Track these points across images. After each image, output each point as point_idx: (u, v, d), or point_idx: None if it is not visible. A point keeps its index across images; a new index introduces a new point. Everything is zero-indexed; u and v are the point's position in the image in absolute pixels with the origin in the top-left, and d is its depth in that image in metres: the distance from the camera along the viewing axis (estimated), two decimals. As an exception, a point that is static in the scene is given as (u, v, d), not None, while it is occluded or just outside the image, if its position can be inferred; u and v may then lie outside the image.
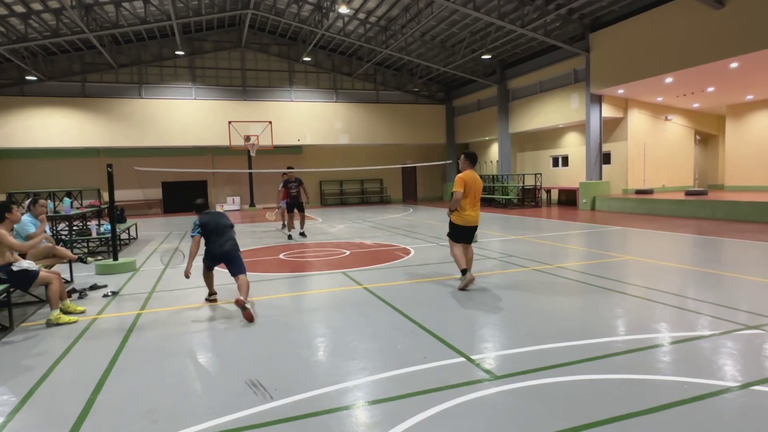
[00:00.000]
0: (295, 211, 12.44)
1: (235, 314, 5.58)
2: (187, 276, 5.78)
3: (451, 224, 6.61)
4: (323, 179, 27.56)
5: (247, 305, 5.39)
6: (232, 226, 6.22)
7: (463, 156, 6.61)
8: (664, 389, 3.35)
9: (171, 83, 23.58)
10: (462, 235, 6.59)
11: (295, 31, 23.69)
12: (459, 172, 6.62)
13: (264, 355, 4.26)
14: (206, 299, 6.25)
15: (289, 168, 12.69)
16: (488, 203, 23.15)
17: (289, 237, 12.30)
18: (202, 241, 6.04)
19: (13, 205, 5.66)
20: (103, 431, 3.05)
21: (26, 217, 6.66)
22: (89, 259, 6.94)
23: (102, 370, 4.01)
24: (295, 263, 8.94)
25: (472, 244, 6.86)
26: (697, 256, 8.51)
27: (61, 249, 6.73)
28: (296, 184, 12.31)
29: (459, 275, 6.83)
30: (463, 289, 6.35)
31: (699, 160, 22.21)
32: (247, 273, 5.84)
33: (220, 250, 5.97)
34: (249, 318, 5.25)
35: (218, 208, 25.08)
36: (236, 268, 5.93)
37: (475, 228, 6.68)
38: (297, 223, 13.11)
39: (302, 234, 12.65)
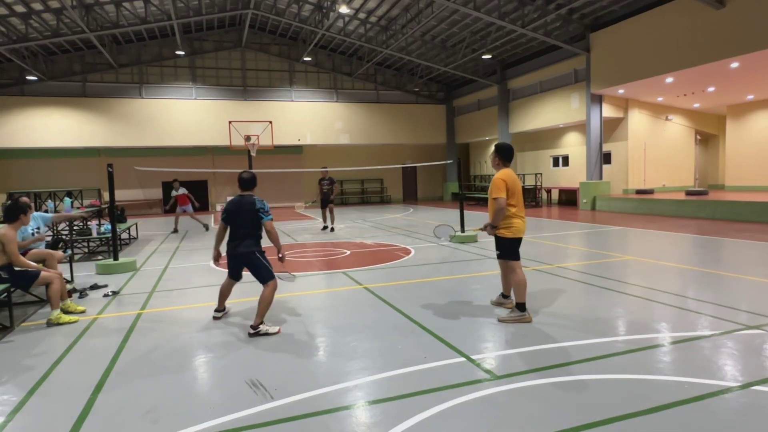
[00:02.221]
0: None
1: (234, 314, 5.57)
2: (215, 261, 5.56)
3: (502, 240, 5.10)
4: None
5: (261, 328, 4.73)
6: (254, 217, 4.95)
7: (494, 151, 5.18)
8: (664, 389, 3.35)
9: (171, 83, 23.59)
10: (518, 249, 5.12)
11: (295, 31, 23.69)
12: (497, 170, 5.18)
13: (264, 355, 4.26)
14: (213, 315, 5.45)
15: (323, 168, 14.46)
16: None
17: (327, 228, 13.77)
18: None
19: (30, 209, 5.64)
20: (103, 431, 3.05)
21: None
22: (87, 291, 6.85)
23: (102, 370, 4.01)
24: (295, 263, 8.94)
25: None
26: (698, 256, 8.51)
27: (56, 254, 6.53)
28: (328, 182, 13.80)
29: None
30: (505, 321, 4.96)
31: (699, 160, 22.20)
32: (248, 272, 5.09)
33: (233, 250, 5.04)
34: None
35: (218, 207, 25.10)
36: (257, 275, 5.01)
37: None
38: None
39: (331, 229, 13.77)
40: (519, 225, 5.04)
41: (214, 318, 5.42)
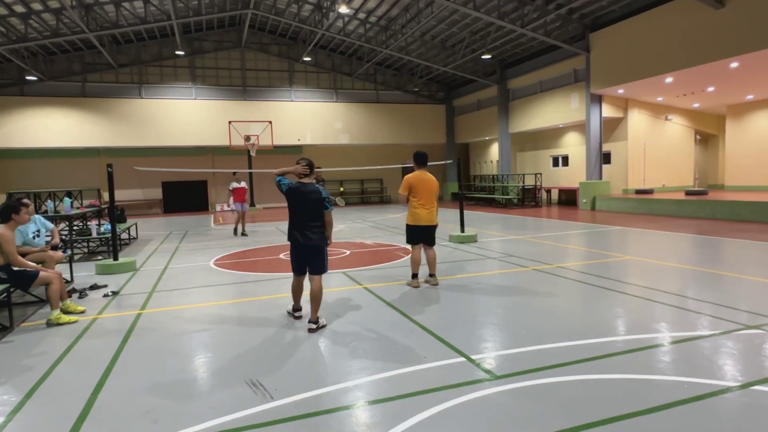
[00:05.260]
0: None
1: (234, 314, 5.57)
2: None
3: (406, 226, 6.57)
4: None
5: (321, 321, 4.88)
6: (320, 206, 4.95)
7: (413, 158, 6.56)
8: (664, 389, 3.34)
9: (171, 83, 23.59)
10: (415, 235, 6.49)
11: (295, 31, 23.70)
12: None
13: (264, 355, 4.26)
14: (288, 312, 5.41)
15: (317, 168, 14.12)
16: (488, 203, 23.18)
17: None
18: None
19: (23, 207, 5.60)
20: (103, 431, 3.05)
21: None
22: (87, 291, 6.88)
23: (102, 370, 4.01)
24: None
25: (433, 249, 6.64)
26: (697, 256, 8.51)
27: (55, 255, 6.51)
28: (321, 184, 13.52)
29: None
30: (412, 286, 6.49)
31: (699, 159, 22.20)
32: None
33: (306, 240, 4.88)
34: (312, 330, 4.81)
35: (218, 208, 25.10)
36: (317, 265, 4.96)
37: (431, 228, 6.48)
38: None
39: None
40: (417, 215, 6.37)
41: (293, 317, 5.26)
